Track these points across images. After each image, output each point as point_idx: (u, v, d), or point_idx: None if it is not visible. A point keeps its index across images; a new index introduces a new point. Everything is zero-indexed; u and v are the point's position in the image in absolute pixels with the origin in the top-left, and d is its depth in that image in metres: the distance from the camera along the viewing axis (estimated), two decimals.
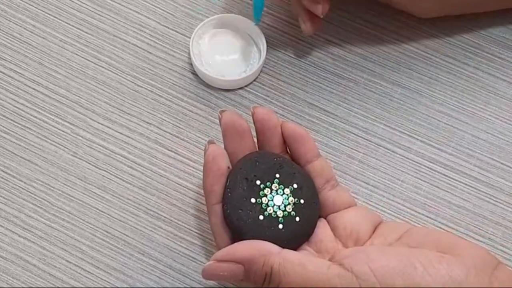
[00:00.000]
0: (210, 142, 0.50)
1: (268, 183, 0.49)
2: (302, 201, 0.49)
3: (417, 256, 0.43)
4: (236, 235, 0.48)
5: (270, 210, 0.48)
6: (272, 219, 0.48)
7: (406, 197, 0.56)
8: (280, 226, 0.48)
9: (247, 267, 0.45)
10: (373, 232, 0.49)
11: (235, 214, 0.48)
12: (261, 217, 0.48)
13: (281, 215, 0.48)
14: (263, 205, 0.48)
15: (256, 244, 0.46)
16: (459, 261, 0.43)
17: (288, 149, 0.51)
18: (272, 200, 0.48)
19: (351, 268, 0.43)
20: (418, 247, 0.45)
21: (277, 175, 0.49)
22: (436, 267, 0.42)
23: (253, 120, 0.50)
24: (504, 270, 0.44)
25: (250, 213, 0.48)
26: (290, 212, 0.48)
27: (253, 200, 0.48)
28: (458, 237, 0.47)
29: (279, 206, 0.48)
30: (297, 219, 0.48)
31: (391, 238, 0.47)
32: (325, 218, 0.50)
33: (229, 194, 0.48)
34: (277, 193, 0.49)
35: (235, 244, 0.47)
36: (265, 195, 0.48)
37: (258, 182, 0.49)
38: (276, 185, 0.49)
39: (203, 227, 0.55)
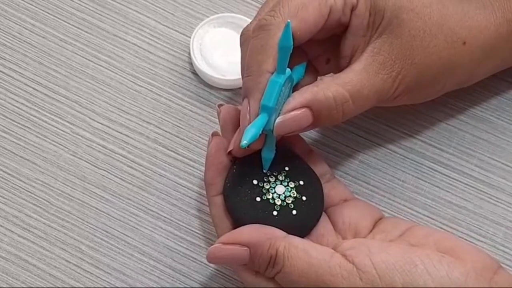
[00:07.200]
0: (214, 134, 0.49)
1: (275, 172, 0.49)
2: (304, 198, 0.48)
3: (418, 254, 0.43)
4: (231, 213, 0.48)
5: (269, 195, 0.48)
6: (269, 204, 0.48)
7: (407, 197, 0.56)
8: (275, 213, 0.47)
9: (253, 250, 0.45)
10: (373, 227, 0.49)
11: (233, 191, 0.48)
12: (258, 198, 0.48)
13: (278, 203, 0.48)
14: (263, 189, 0.48)
15: (262, 228, 0.46)
16: (459, 263, 0.43)
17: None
18: (274, 188, 0.48)
19: (353, 259, 0.43)
20: (418, 245, 0.45)
21: (286, 168, 0.49)
22: (436, 266, 0.42)
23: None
24: (504, 275, 0.44)
25: (249, 192, 0.48)
26: (288, 204, 0.48)
27: (255, 182, 0.48)
28: (459, 239, 0.47)
29: (279, 195, 0.48)
30: (294, 212, 0.48)
31: (393, 235, 0.47)
32: (325, 212, 0.50)
33: (234, 171, 0.48)
34: (281, 184, 0.48)
35: (241, 227, 0.47)
36: (269, 182, 0.48)
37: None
38: (283, 177, 0.49)
39: (203, 227, 0.55)
